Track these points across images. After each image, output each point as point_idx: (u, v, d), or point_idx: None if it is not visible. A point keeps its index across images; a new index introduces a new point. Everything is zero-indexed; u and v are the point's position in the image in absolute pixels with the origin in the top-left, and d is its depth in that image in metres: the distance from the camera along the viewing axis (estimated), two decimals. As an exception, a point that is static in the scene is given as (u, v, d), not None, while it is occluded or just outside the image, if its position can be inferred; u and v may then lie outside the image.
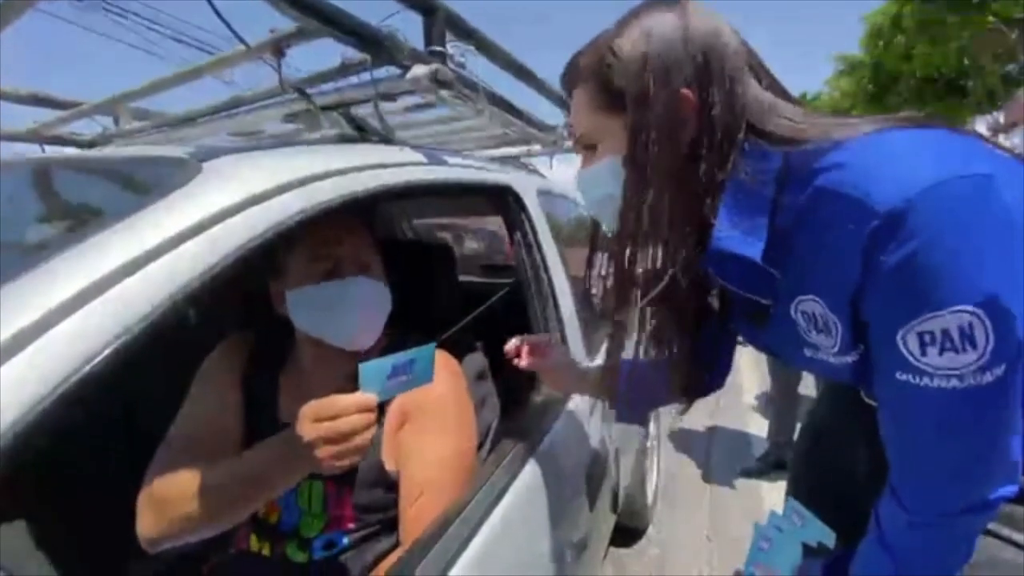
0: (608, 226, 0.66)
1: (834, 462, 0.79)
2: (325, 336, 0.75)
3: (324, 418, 0.55)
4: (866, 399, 0.64)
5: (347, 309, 0.75)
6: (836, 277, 0.48)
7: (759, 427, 2.82)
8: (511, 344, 0.87)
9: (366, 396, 0.57)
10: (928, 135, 0.49)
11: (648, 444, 2.03)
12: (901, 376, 0.47)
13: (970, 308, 0.42)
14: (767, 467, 2.41)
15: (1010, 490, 0.49)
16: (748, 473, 2.43)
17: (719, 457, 2.64)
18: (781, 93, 0.57)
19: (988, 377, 0.44)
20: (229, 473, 0.64)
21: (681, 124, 0.54)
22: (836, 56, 12.13)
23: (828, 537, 0.68)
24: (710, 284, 0.66)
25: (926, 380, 0.45)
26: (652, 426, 2.13)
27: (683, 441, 2.81)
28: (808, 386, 2.51)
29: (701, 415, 3.06)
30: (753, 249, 0.52)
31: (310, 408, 0.56)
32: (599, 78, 0.57)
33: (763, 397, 3.18)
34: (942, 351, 0.44)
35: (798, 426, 2.36)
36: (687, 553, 1.95)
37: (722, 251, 0.53)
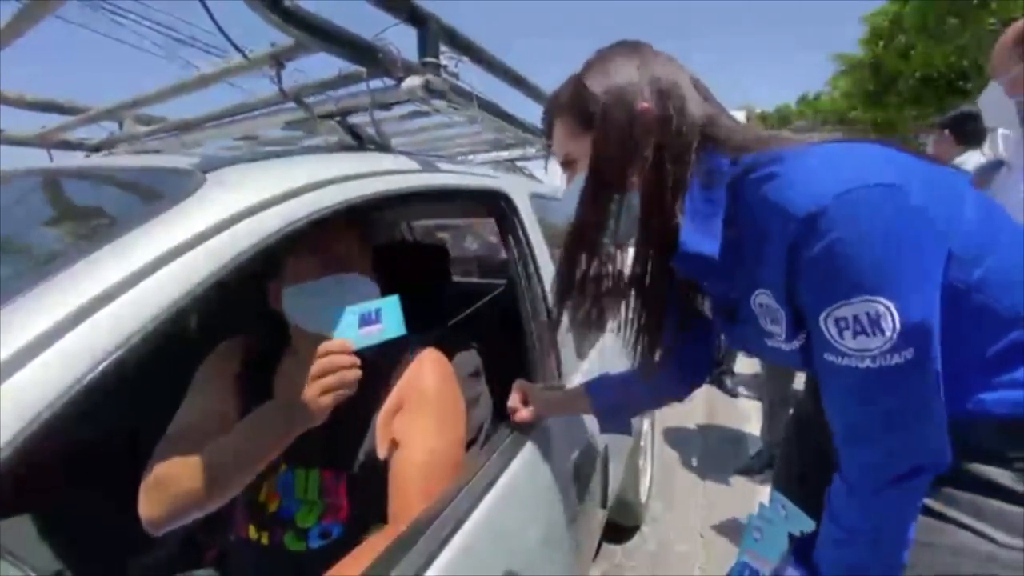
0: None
1: (817, 450, 0.83)
2: (319, 328, 0.78)
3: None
4: None
5: (340, 302, 0.78)
6: (775, 271, 0.56)
7: (754, 427, 2.84)
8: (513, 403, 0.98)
9: (344, 340, 0.66)
10: (849, 149, 0.56)
11: (641, 443, 2.06)
12: (828, 357, 0.54)
13: (874, 298, 0.49)
14: (761, 465, 2.44)
15: (938, 466, 0.55)
16: (742, 471, 2.46)
17: (714, 456, 2.66)
18: (719, 108, 0.66)
19: (897, 359, 0.50)
20: (226, 442, 0.69)
21: (644, 132, 0.62)
22: (835, 55, 12.12)
23: (810, 527, 0.71)
24: (682, 282, 0.73)
25: (845, 360, 0.53)
26: (646, 425, 2.16)
27: (679, 440, 2.83)
28: (800, 384, 2.54)
29: (697, 415, 3.09)
30: (711, 247, 0.60)
31: None
32: (573, 106, 0.67)
33: (759, 397, 3.21)
34: (855, 335, 0.51)
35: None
36: (681, 550, 1.98)
37: (688, 253, 0.61)
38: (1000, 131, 2.82)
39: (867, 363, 0.51)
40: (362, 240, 0.85)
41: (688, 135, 0.62)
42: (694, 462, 2.61)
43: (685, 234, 0.61)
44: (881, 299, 0.49)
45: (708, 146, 0.62)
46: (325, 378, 0.64)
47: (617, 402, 0.96)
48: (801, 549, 0.68)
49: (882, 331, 0.50)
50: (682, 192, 0.62)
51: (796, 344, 0.59)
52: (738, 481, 2.40)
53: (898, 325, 0.49)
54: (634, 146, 0.62)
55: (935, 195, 0.52)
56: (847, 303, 0.50)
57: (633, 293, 0.73)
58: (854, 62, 11.65)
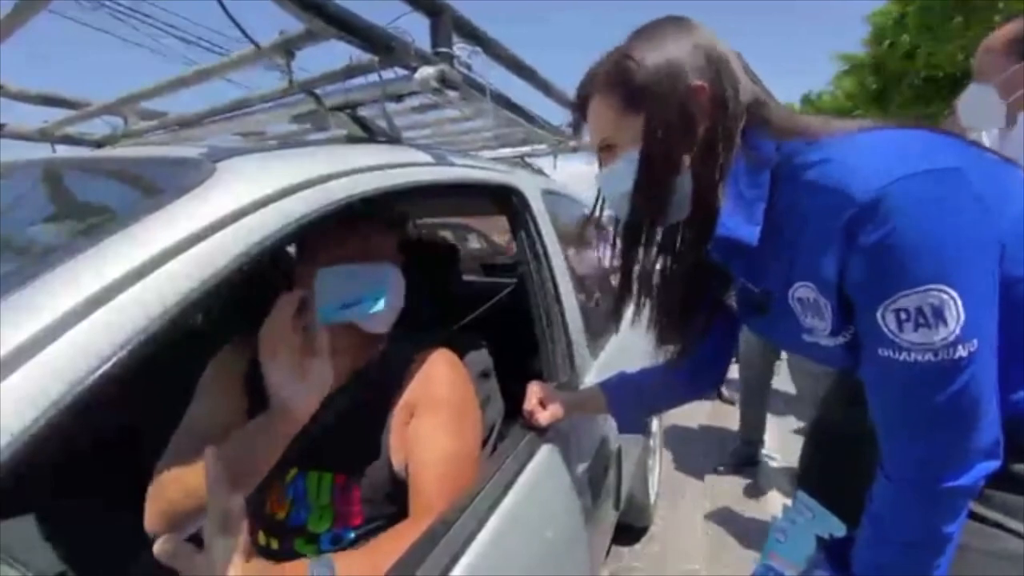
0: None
1: (842, 457, 0.81)
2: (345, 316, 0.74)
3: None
4: None
5: (365, 287, 0.75)
6: (823, 261, 0.53)
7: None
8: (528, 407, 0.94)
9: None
10: (903, 134, 0.53)
11: (651, 443, 2.04)
12: (883, 352, 0.51)
13: (938, 287, 0.46)
14: (736, 462, 2.44)
15: (989, 467, 0.52)
16: (723, 472, 2.43)
17: (718, 455, 2.63)
18: (765, 89, 0.64)
19: (961, 352, 0.48)
20: (227, 446, 0.64)
21: (699, 112, 0.59)
22: (838, 55, 12.08)
23: (839, 529, 0.69)
24: (714, 274, 0.70)
25: (904, 355, 0.50)
26: (655, 426, 2.13)
27: (683, 439, 2.82)
28: (779, 383, 2.55)
29: (702, 415, 3.08)
30: (750, 233, 0.57)
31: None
32: (618, 83, 0.63)
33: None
34: (917, 327, 0.48)
35: (769, 418, 2.38)
36: (686, 549, 1.96)
37: (725, 237, 0.58)
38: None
39: (928, 356, 0.49)
40: (385, 230, 0.82)
41: (739, 115, 0.59)
42: (698, 461, 2.59)
43: (725, 217, 0.58)
44: (945, 288, 0.46)
45: (754, 128, 0.59)
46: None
47: (633, 401, 0.94)
48: (832, 552, 0.66)
49: (945, 322, 0.47)
50: (728, 175, 0.59)
51: (841, 340, 0.57)
52: (743, 481, 2.38)
53: (962, 316, 0.47)
54: (688, 126, 0.59)
55: (990, 184, 0.50)
56: (909, 293, 0.47)
57: (662, 279, 0.71)
58: (857, 62, 11.62)
